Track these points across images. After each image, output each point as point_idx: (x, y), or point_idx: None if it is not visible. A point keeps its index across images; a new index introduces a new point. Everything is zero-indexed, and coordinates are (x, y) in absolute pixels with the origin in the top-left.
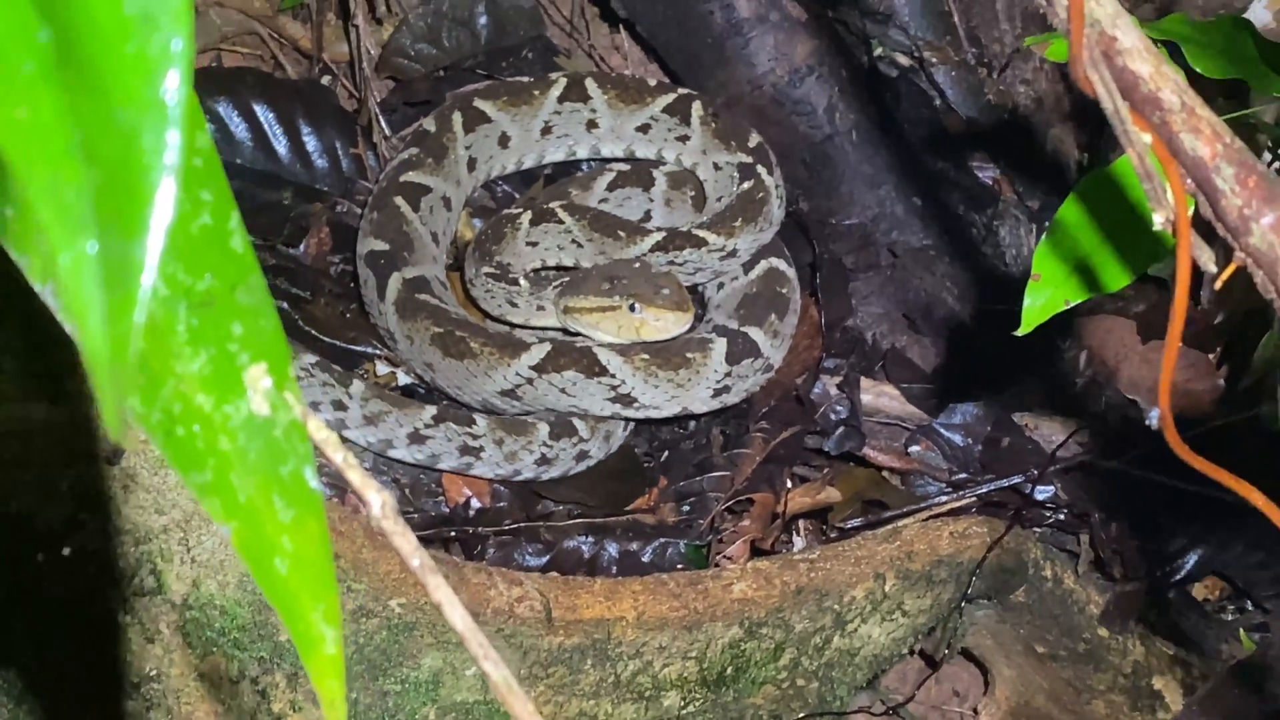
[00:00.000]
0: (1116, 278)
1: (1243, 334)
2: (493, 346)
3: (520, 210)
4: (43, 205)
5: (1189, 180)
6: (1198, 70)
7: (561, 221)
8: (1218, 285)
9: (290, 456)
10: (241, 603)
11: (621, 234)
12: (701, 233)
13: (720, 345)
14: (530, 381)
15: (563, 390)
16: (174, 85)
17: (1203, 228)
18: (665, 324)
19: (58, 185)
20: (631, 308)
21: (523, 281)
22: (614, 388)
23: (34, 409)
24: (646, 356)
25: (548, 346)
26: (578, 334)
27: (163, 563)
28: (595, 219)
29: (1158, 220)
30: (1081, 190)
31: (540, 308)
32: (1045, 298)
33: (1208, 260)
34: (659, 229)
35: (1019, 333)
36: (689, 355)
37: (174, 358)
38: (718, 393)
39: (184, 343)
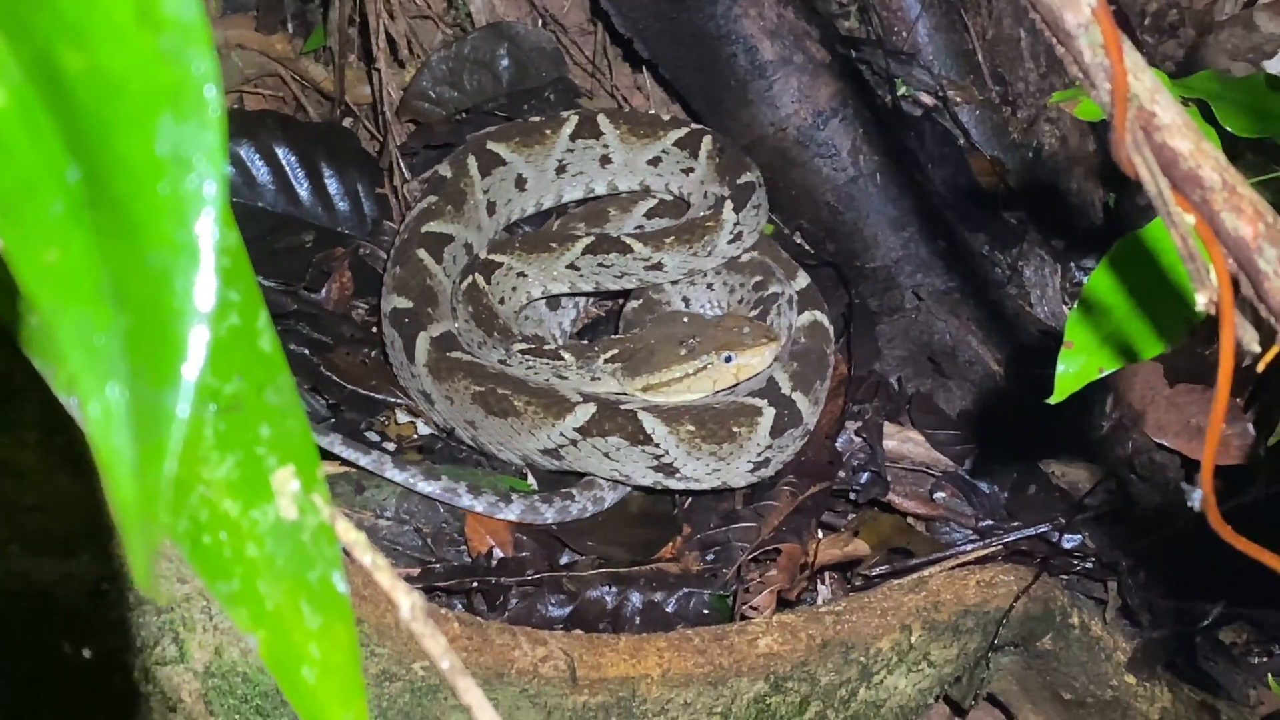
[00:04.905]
0: (1150, 346)
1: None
2: (537, 405)
3: (471, 277)
4: (71, 350)
5: (1231, 260)
6: (1228, 129)
7: (500, 264)
8: (1261, 367)
9: (318, 561)
10: (264, 670)
11: (554, 245)
12: (629, 239)
13: (768, 417)
14: (574, 443)
15: (605, 454)
16: (207, 228)
17: (1244, 303)
18: (764, 357)
19: (87, 330)
20: (727, 359)
21: (566, 355)
22: (657, 457)
23: (57, 482)
24: (692, 428)
25: (593, 408)
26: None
27: (185, 631)
28: (524, 243)
29: (1200, 301)
30: (1113, 257)
31: (595, 378)
32: (1079, 365)
33: (1251, 340)
34: (588, 233)
35: (1051, 400)
36: (735, 429)
37: (201, 463)
38: (756, 467)
39: (211, 447)
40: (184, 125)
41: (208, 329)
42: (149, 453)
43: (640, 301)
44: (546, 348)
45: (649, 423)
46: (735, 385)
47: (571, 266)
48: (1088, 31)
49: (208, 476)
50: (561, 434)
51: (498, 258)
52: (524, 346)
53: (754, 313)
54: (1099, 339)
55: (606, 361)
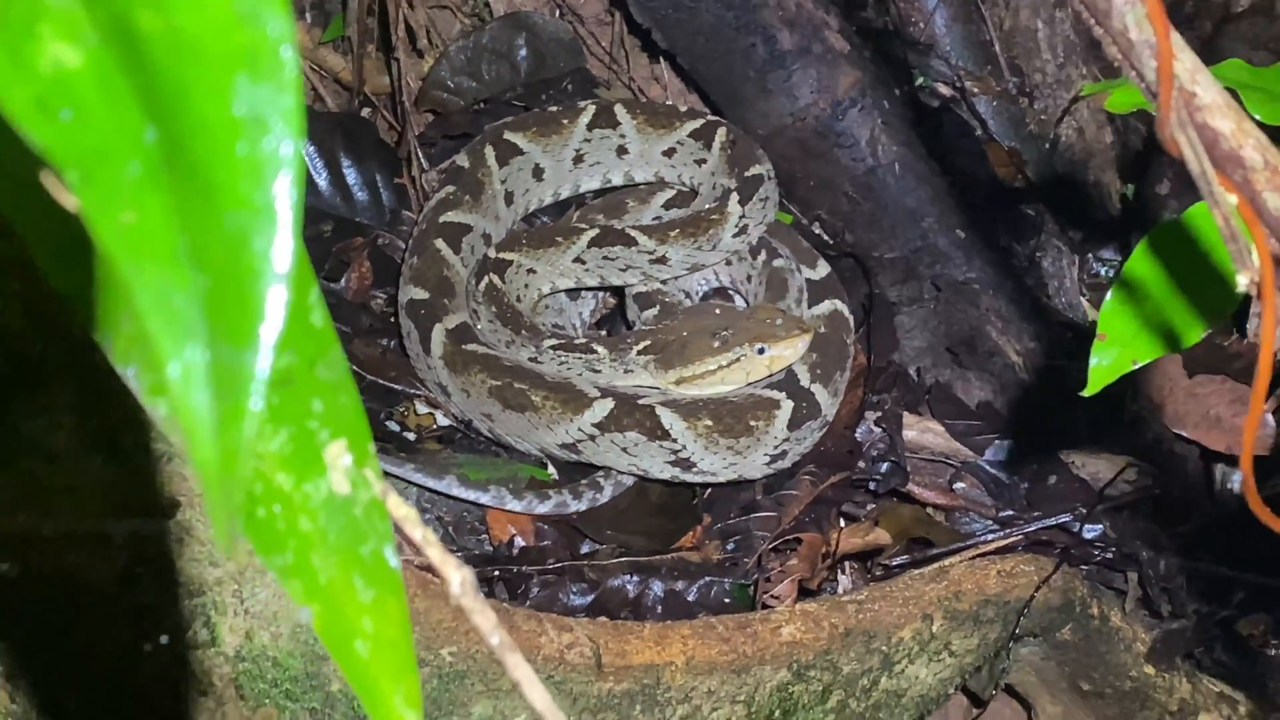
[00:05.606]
0: (1191, 331)
1: None
2: (554, 400)
3: (482, 279)
4: (150, 312)
5: (1273, 241)
6: (1258, 117)
7: (510, 262)
8: None
9: (371, 535)
10: (294, 653)
11: (560, 239)
12: (634, 232)
13: (786, 410)
14: (592, 438)
15: (624, 449)
16: (285, 188)
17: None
18: (797, 349)
19: (165, 291)
20: (760, 351)
21: (599, 349)
22: (675, 452)
23: (90, 464)
24: (710, 423)
25: (610, 403)
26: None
27: (216, 615)
28: (531, 239)
29: (1242, 282)
30: (1152, 241)
31: (628, 371)
32: (1113, 357)
33: None
34: (594, 226)
35: (1085, 393)
36: (752, 423)
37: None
38: (773, 459)
39: (264, 421)
40: (261, 86)
41: (286, 289)
42: (229, 413)
43: (657, 309)
44: (578, 342)
45: (666, 418)
46: (769, 376)
47: (577, 260)
48: (1133, 8)
49: (261, 450)
50: (580, 429)
51: (507, 256)
52: (554, 342)
53: (759, 260)
54: (1135, 328)
55: (639, 354)
